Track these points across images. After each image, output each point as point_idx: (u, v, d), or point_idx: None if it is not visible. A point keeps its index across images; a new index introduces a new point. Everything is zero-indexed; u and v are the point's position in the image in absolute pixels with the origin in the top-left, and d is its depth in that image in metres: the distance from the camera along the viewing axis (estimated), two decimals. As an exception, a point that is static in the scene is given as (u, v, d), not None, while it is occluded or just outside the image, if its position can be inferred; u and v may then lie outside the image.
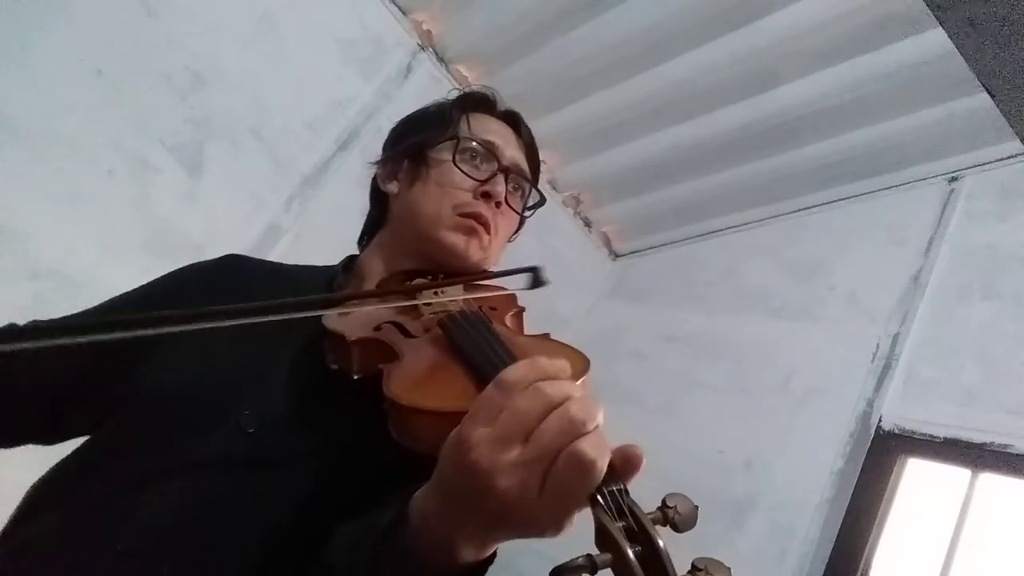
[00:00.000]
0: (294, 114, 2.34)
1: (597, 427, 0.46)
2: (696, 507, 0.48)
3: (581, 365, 0.62)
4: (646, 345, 2.73)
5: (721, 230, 2.87)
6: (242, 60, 2.22)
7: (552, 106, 2.58)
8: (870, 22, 2.05)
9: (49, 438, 0.82)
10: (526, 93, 2.58)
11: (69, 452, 0.79)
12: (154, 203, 2.05)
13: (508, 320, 0.81)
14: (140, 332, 0.57)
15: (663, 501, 0.47)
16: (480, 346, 0.63)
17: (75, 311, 0.86)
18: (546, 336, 0.76)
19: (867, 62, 2.14)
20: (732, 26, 2.21)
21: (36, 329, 0.60)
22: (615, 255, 3.24)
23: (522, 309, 0.85)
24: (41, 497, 0.74)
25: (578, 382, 0.58)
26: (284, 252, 2.26)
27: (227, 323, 0.58)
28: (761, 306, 2.50)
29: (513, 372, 0.49)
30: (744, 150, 2.57)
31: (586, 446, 0.45)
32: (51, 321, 0.78)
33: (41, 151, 1.88)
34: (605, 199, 3.05)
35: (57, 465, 0.78)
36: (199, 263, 0.94)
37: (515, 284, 0.78)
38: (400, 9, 2.55)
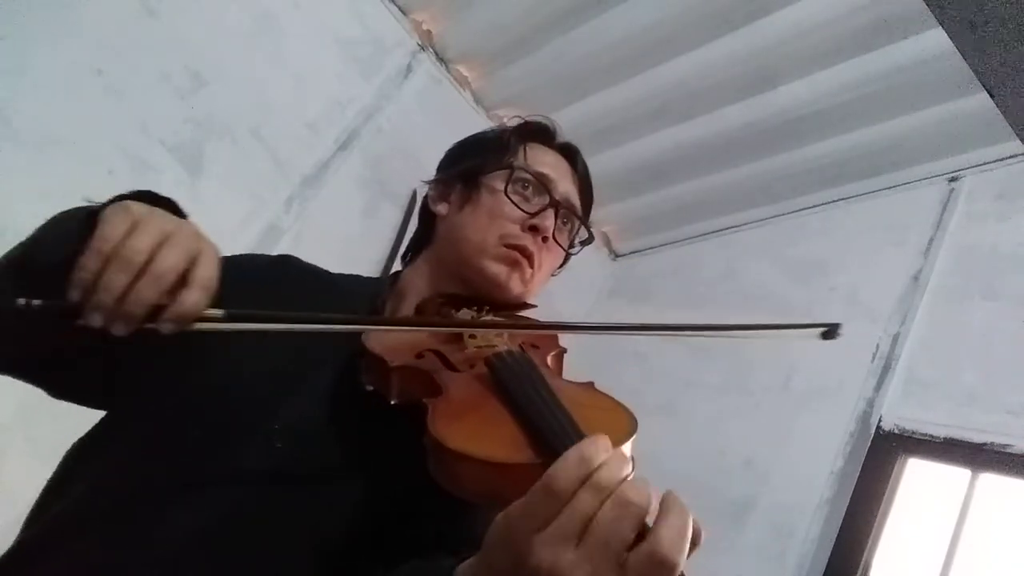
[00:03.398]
0: (294, 114, 2.34)
1: (681, 516, 0.45)
2: None
3: (628, 425, 0.61)
4: (646, 345, 2.73)
5: (721, 230, 2.86)
6: (242, 60, 2.22)
7: (552, 106, 2.57)
8: (870, 22, 2.05)
9: (53, 388, 0.78)
10: (526, 93, 2.59)
11: (79, 451, 0.78)
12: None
13: (550, 360, 0.80)
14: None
15: None
16: (530, 395, 0.61)
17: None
18: (590, 385, 0.74)
19: (867, 62, 2.14)
20: (732, 26, 2.21)
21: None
22: (615, 255, 3.24)
23: (563, 350, 0.83)
24: (59, 498, 0.73)
25: (627, 443, 0.57)
26: (284, 252, 2.25)
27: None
28: (761, 306, 2.50)
29: (564, 471, 0.47)
30: (744, 150, 2.56)
31: (666, 544, 0.44)
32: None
33: (41, 151, 1.88)
34: (605, 199, 3.05)
35: (70, 465, 0.76)
36: (254, 256, 0.96)
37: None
38: (400, 9, 2.55)
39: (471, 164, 0.94)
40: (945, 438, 1.85)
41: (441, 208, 0.95)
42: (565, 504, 0.46)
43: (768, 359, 2.34)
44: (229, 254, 0.91)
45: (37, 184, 1.85)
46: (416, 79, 2.56)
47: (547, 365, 0.78)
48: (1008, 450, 1.74)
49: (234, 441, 0.70)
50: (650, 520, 0.46)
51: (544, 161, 0.94)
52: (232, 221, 2.22)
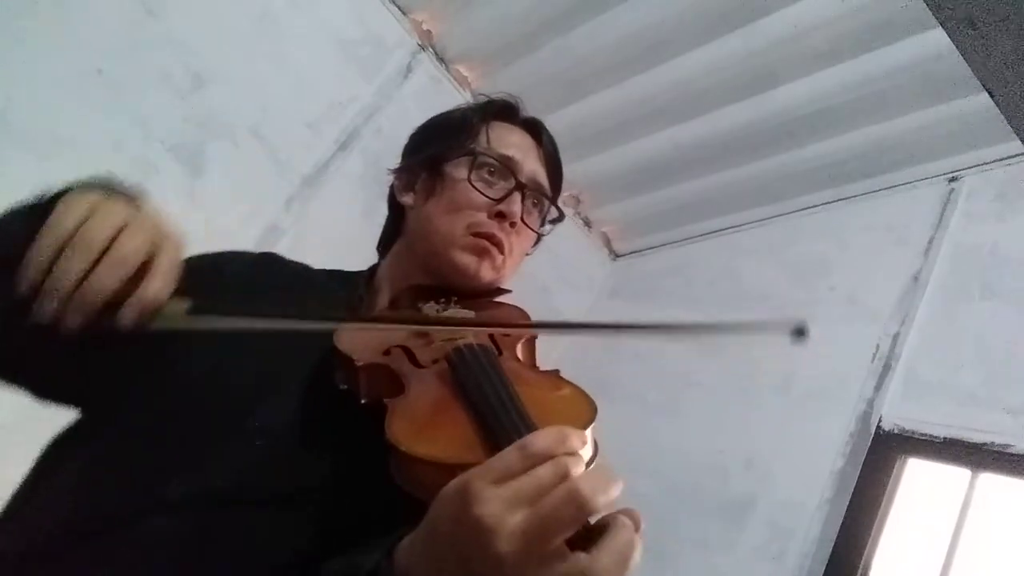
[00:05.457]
0: (294, 114, 2.34)
1: (626, 544, 0.46)
2: None
3: (588, 412, 0.61)
4: (646, 345, 2.73)
5: (721, 230, 2.86)
6: (242, 60, 2.22)
7: (552, 106, 2.58)
8: (870, 22, 2.05)
9: (40, 390, 0.76)
10: (526, 93, 2.56)
11: (46, 459, 0.76)
12: (154, 203, 2.04)
13: (520, 348, 0.79)
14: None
15: None
16: (485, 392, 0.61)
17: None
18: (555, 374, 0.73)
19: (867, 62, 2.14)
20: (732, 26, 2.21)
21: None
22: (615, 255, 3.24)
23: (534, 336, 0.82)
24: (25, 507, 0.71)
25: (586, 430, 0.57)
26: (284, 252, 2.22)
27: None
28: (761, 306, 2.50)
29: (542, 441, 0.48)
30: (744, 150, 2.57)
31: (600, 570, 0.44)
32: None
33: (41, 151, 1.88)
34: (605, 199, 3.05)
35: (37, 472, 0.74)
36: (239, 252, 0.93)
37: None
38: (400, 9, 2.55)
39: (433, 151, 0.92)
40: (945, 438, 1.84)
41: (407, 199, 0.93)
42: (529, 465, 0.47)
43: (768, 359, 2.34)
44: (217, 251, 0.91)
45: (37, 184, 1.85)
46: (416, 79, 2.56)
47: (515, 354, 0.77)
48: (1008, 450, 1.74)
49: (211, 443, 0.69)
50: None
51: (508, 141, 0.91)
52: (232, 221, 2.22)
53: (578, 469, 0.47)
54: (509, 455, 0.48)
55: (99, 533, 0.64)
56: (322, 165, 2.39)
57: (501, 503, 0.45)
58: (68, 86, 1.93)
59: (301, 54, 2.34)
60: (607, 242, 3.21)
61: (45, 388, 0.77)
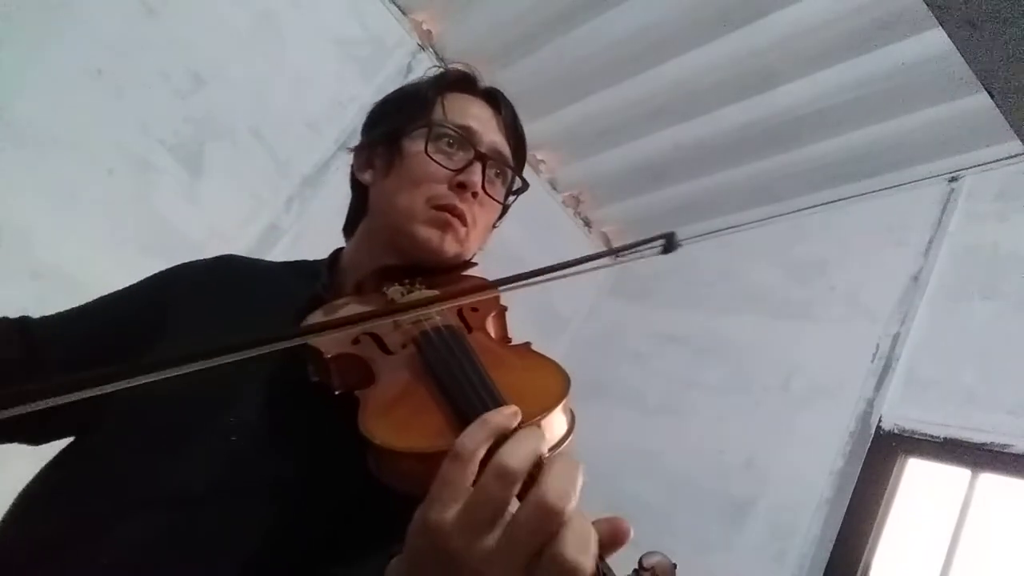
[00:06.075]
0: (294, 114, 2.35)
1: (577, 514, 0.44)
2: (674, 565, 0.45)
3: (561, 386, 0.59)
4: (646, 345, 2.73)
5: (721, 230, 2.87)
6: (242, 60, 2.23)
7: (552, 106, 2.58)
8: (870, 22, 2.05)
9: (34, 439, 0.80)
10: (526, 93, 2.58)
11: (50, 461, 0.77)
12: (154, 203, 2.05)
13: (490, 322, 0.77)
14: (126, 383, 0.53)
15: (639, 563, 0.45)
16: (454, 375, 0.59)
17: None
18: (527, 347, 0.71)
19: (867, 62, 2.14)
20: (732, 26, 2.21)
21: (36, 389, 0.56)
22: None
23: (504, 309, 0.81)
24: (23, 510, 0.72)
25: (558, 407, 0.56)
26: (284, 252, 2.26)
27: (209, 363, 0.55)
28: (761, 306, 2.50)
29: (466, 442, 0.47)
30: (744, 150, 2.57)
31: (569, 550, 0.42)
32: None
33: (41, 151, 1.88)
34: (605, 199, 3.06)
35: (39, 475, 0.75)
36: (192, 262, 0.92)
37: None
38: (400, 9, 2.55)
39: (390, 126, 0.90)
40: (945, 438, 1.84)
41: (367, 176, 0.91)
42: (470, 471, 0.46)
43: (768, 359, 2.34)
44: (169, 265, 0.91)
45: (37, 184, 1.86)
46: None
47: (485, 330, 0.76)
48: (1008, 450, 1.74)
49: (186, 443, 0.69)
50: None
51: (466, 112, 0.90)
52: (232, 221, 2.22)
53: (522, 458, 0.46)
54: (447, 470, 0.46)
55: (72, 545, 0.64)
56: (322, 165, 2.39)
57: (464, 534, 0.44)
58: (68, 86, 1.93)
59: (301, 54, 2.34)
60: (607, 242, 3.21)
61: (32, 439, 0.80)
